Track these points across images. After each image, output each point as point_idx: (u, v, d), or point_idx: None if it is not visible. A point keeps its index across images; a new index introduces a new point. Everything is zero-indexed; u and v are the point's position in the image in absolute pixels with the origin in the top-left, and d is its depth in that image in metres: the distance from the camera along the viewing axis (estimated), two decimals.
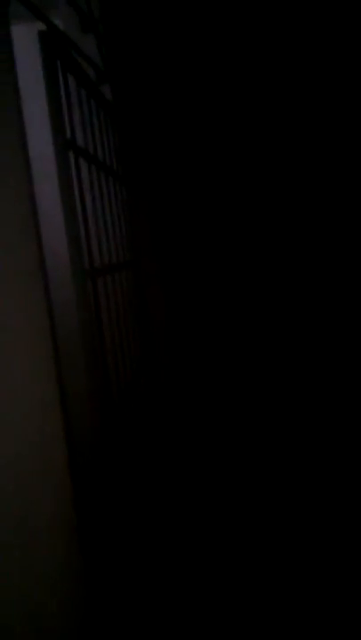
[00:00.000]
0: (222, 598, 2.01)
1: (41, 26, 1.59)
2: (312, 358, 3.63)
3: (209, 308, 3.68)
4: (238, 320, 3.67)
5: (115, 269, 2.29)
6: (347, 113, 3.44)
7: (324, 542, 2.21)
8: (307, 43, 3.42)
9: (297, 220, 3.56)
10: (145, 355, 2.90)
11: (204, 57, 3.43)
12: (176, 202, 3.61)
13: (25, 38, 1.59)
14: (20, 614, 1.06)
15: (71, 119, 1.72)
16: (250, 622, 1.87)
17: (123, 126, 2.80)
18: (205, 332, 3.69)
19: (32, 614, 1.14)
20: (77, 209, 1.70)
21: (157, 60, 3.44)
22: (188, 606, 1.97)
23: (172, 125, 3.52)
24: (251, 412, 3.66)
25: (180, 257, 3.66)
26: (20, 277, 1.29)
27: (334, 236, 3.54)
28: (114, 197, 2.43)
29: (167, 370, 3.32)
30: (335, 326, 3.59)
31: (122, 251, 2.55)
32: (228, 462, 3.22)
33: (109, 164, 2.39)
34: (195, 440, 3.59)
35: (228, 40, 3.43)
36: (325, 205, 3.54)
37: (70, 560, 1.47)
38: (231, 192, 3.59)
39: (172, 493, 2.91)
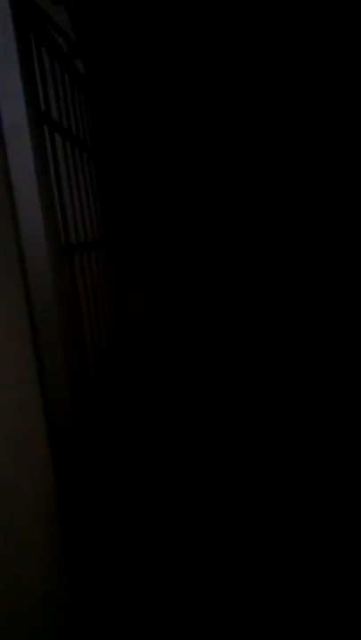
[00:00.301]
0: (218, 595, 2.02)
1: None
2: (287, 340, 3.66)
3: (185, 291, 3.68)
4: (214, 302, 3.68)
5: (91, 247, 2.27)
6: (340, 113, 3.43)
7: (323, 538, 2.20)
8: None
9: (279, 204, 3.57)
10: (121, 337, 2.89)
11: (179, 30, 3.39)
12: (151, 179, 3.59)
13: None
14: None
15: (45, 93, 1.69)
16: (247, 620, 1.86)
17: (96, 101, 2.75)
18: (181, 315, 3.69)
19: (10, 611, 1.13)
20: (52, 183, 1.68)
21: (131, 33, 3.38)
22: (180, 606, 1.97)
23: (146, 100, 3.48)
24: (230, 393, 3.68)
25: (155, 238, 3.64)
26: None
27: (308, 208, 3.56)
28: (88, 174, 2.40)
29: (144, 354, 3.32)
30: (315, 298, 3.63)
31: (97, 229, 2.53)
32: (208, 445, 3.24)
33: (83, 139, 2.35)
34: (172, 423, 3.61)
35: (206, 10, 3.39)
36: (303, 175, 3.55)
37: (53, 550, 1.47)
38: (208, 170, 3.57)
39: (155, 479, 2.92)
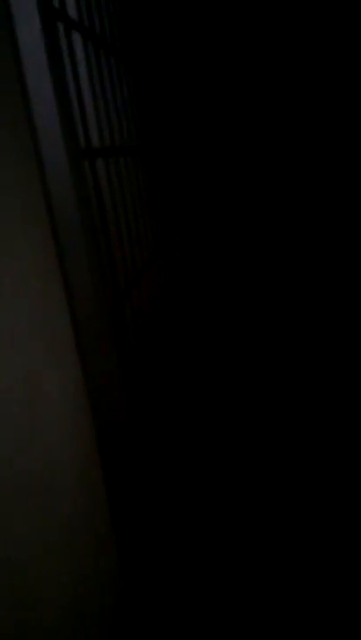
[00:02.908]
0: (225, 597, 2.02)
1: None
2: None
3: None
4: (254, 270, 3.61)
5: (119, 153, 2.26)
6: (345, 110, 3.21)
7: (324, 538, 2.16)
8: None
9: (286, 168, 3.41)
10: (167, 286, 2.90)
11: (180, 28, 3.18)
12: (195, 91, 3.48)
13: None
14: (63, 607, 1.11)
15: None
16: (252, 622, 1.86)
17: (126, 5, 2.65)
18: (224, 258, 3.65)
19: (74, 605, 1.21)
20: (70, 83, 1.67)
21: None
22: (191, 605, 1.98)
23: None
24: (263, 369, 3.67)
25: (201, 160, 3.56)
26: (9, 152, 1.29)
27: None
28: (117, 79, 2.35)
29: (189, 305, 3.33)
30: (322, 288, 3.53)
31: (129, 137, 2.50)
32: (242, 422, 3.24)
33: (112, 43, 2.29)
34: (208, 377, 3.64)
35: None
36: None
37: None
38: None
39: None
